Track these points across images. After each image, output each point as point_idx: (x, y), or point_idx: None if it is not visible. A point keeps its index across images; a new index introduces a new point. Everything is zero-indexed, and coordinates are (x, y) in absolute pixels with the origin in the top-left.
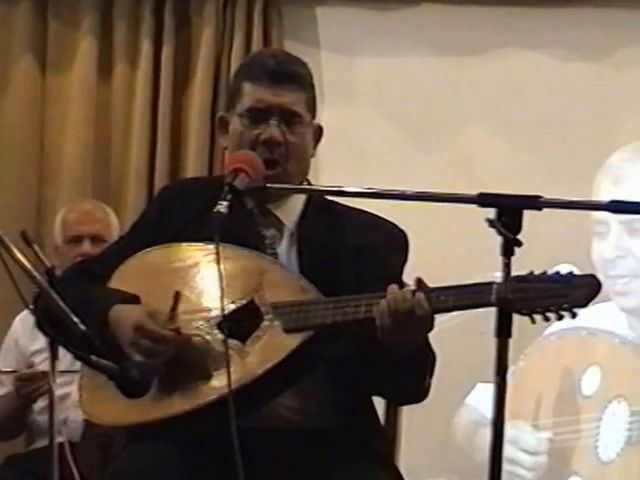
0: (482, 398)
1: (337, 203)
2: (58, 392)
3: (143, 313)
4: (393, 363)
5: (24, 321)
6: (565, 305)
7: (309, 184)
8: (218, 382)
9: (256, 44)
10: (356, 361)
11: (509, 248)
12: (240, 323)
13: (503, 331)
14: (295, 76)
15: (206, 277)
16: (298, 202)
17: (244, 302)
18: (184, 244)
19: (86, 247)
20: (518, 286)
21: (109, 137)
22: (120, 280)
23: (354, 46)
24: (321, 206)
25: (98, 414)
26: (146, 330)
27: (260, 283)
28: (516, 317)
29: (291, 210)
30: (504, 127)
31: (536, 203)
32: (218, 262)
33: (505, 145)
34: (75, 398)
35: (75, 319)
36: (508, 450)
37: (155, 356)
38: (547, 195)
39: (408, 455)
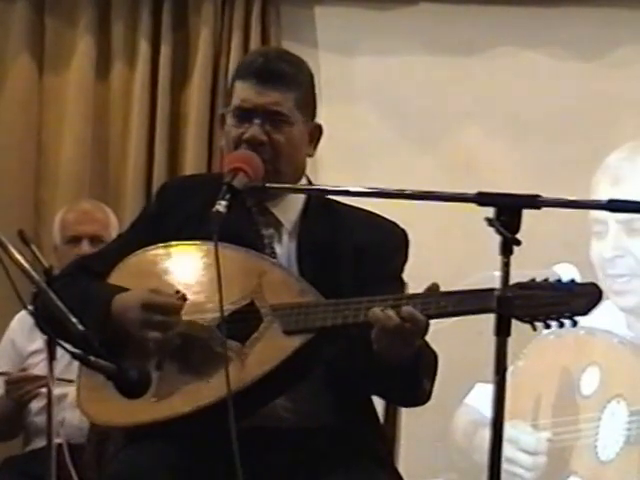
0: (481, 398)
1: (337, 202)
2: (55, 393)
3: (146, 291)
4: (390, 368)
5: (22, 321)
6: (566, 313)
7: (309, 183)
8: (217, 383)
9: (254, 44)
10: (355, 363)
11: (508, 247)
12: (239, 324)
13: (502, 330)
14: (281, 75)
15: (205, 278)
16: (297, 201)
17: (244, 303)
18: (183, 243)
19: (85, 247)
20: (520, 293)
21: (107, 137)
22: (119, 278)
23: (353, 46)
24: (320, 205)
25: (97, 414)
26: (155, 304)
27: (260, 284)
28: None
29: (290, 209)
30: (502, 126)
31: (535, 202)
32: (217, 262)
33: (503, 144)
34: (73, 399)
35: (73, 319)
36: (507, 450)
37: (170, 328)
38: (545, 194)
39: (407, 455)
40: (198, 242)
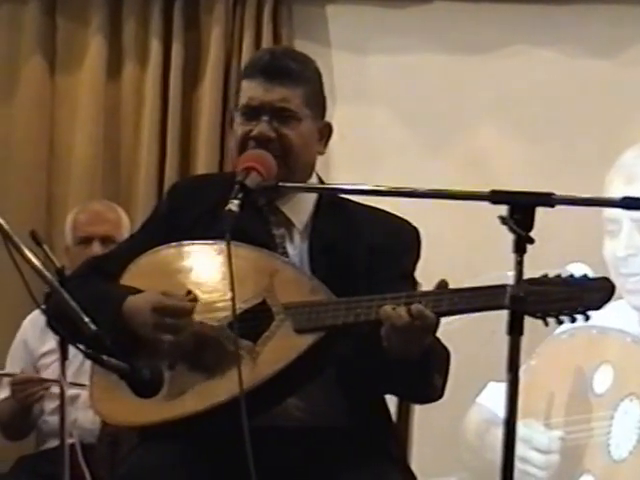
0: (493, 397)
1: (348, 200)
2: (68, 393)
3: (157, 294)
4: (401, 364)
5: (34, 322)
6: (579, 308)
7: (321, 181)
8: (229, 382)
9: (266, 43)
10: (366, 361)
11: (521, 245)
12: (251, 323)
13: (515, 328)
14: (288, 71)
15: (217, 277)
16: (308, 200)
17: (255, 302)
18: (195, 243)
19: (96, 248)
20: (532, 289)
21: (119, 136)
22: (131, 278)
23: (365, 44)
24: (331, 204)
25: (110, 414)
26: (166, 307)
27: (272, 283)
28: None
29: (301, 208)
30: (516, 125)
31: (549, 200)
32: (229, 261)
33: (517, 143)
34: (85, 399)
35: (86, 319)
36: (520, 449)
37: (182, 331)
38: (558, 193)
39: (420, 453)
40: (210, 241)
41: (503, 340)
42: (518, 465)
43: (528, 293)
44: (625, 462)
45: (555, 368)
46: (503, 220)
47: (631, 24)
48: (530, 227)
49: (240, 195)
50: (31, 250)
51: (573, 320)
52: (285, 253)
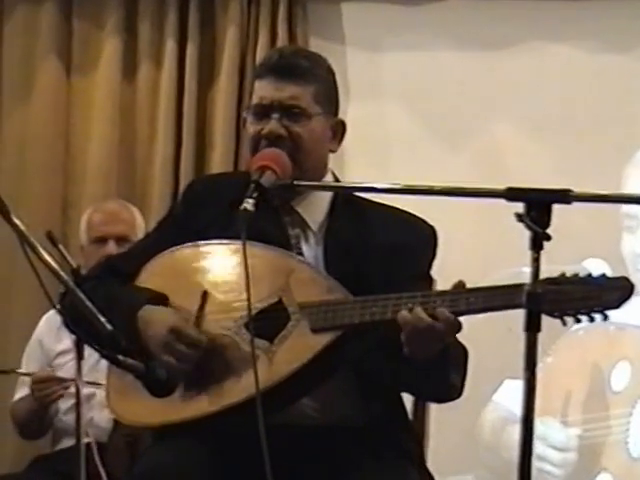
0: (510, 395)
1: (364, 198)
2: (84, 392)
3: (180, 318)
4: (418, 363)
5: (49, 321)
6: (597, 308)
7: (336, 179)
8: (246, 382)
9: (281, 41)
10: (383, 360)
11: (538, 243)
12: (267, 323)
13: (532, 325)
14: (297, 68)
15: (233, 276)
16: (323, 199)
17: (271, 302)
18: (211, 242)
19: (111, 248)
20: (550, 288)
21: (134, 137)
22: (147, 278)
23: (380, 42)
24: (347, 202)
25: (126, 414)
26: (183, 334)
27: (288, 282)
28: None
29: (316, 208)
30: (532, 121)
31: (566, 197)
32: (245, 261)
33: (533, 139)
34: (101, 398)
35: (102, 319)
36: (537, 446)
37: (185, 361)
38: (575, 189)
39: (436, 451)
40: (225, 241)
41: (519, 337)
42: (535, 463)
43: (546, 292)
44: None
45: (572, 365)
46: (520, 217)
47: None
48: (547, 224)
49: (255, 194)
50: (47, 250)
51: (591, 319)
52: (300, 253)
